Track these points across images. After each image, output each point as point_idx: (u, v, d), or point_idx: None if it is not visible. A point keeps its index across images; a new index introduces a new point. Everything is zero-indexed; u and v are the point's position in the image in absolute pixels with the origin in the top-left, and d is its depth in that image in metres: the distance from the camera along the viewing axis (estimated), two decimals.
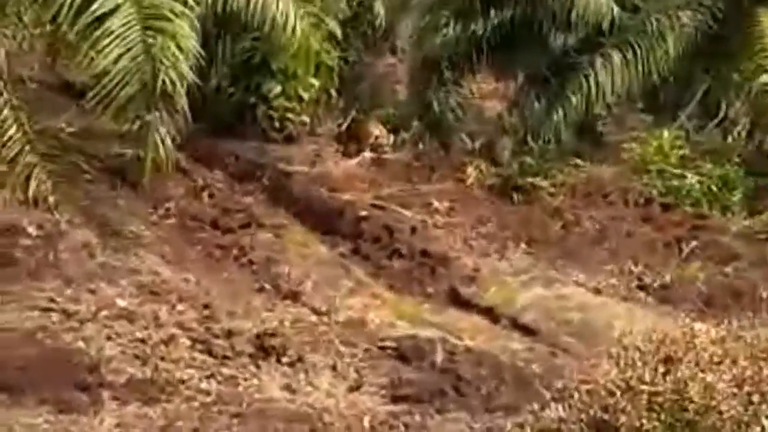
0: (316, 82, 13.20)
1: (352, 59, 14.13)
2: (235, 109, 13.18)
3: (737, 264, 11.13)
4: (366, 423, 7.62)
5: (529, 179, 12.68)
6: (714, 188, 12.70)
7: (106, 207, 10.24)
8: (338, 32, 12.71)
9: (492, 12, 13.48)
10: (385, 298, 10.08)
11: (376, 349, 8.82)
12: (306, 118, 13.56)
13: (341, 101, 14.07)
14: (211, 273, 10.01)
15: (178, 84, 8.55)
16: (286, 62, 12.92)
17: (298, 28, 9.54)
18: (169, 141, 8.65)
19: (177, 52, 8.55)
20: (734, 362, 6.74)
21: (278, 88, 13.18)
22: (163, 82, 8.43)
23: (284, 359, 8.46)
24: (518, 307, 10.03)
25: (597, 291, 10.60)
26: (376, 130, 13.46)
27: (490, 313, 9.92)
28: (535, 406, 6.87)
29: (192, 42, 8.57)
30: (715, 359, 6.76)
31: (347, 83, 14.01)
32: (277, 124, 13.30)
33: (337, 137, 13.98)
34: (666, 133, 13.29)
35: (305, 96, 13.31)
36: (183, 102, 8.65)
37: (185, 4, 8.64)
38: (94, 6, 8.34)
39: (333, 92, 13.66)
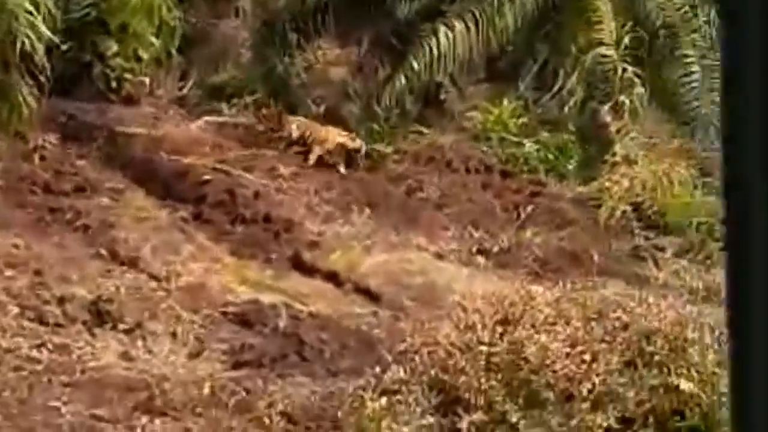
0: (156, 42, 12.77)
1: (194, 20, 13.73)
2: (70, 67, 12.60)
3: (572, 229, 11.52)
4: (206, 389, 7.48)
5: (374, 146, 12.71)
6: (551, 156, 13.08)
7: None
8: None
9: None
10: (227, 263, 9.91)
11: (217, 314, 8.67)
12: (146, 79, 13.10)
13: (183, 63, 13.67)
14: (42, 238, 9.57)
15: (36, 42, 8.10)
16: (125, 20, 12.43)
17: None
18: (32, 100, 8.20)
19: (33, 10, 8.09)
20: (568, 323, 6.98)
21: (115, 47, 12.67)
22: (22, 41, 7.99)
23: (121, 326, 8.20)
24: (362, 271, 10.06)
25: (439, 255, 10.75)
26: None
27: (334, 278, 9.91)
28: (377, 369, 6.91)
29: None
30: (550, 320, 6.98)
31: (189, 44, 13.62)
32: (114, 85, 12.80)
33: (178, 100, 13.59)
34: (506, 102, 13.57)
35: (144, 56, 12.85)
36: (43, 61, 8.21)
37: None
38: None
39: (174, 53, 13.25)
